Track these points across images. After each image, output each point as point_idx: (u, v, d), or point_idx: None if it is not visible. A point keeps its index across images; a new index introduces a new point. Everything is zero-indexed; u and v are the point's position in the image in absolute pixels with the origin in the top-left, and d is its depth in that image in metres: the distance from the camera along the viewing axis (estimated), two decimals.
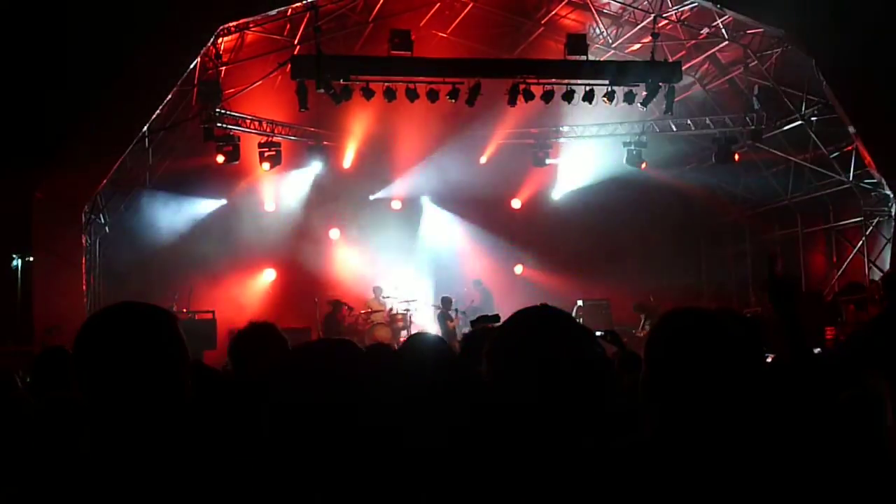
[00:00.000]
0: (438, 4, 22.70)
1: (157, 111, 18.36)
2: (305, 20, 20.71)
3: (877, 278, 20.15)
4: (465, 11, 23.39)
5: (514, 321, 2.83)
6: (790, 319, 3.94)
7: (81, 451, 2.74)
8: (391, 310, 23.63)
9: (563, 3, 22.67)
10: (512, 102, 21.41)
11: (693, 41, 22.46)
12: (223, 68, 20.99)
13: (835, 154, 21.66)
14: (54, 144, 16.56)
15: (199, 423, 2.79)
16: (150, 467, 2.64)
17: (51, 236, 18.26)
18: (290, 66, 20.17)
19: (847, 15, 16.56)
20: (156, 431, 2.69)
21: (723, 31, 21.36)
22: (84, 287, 18.92)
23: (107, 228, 21.42)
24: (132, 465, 2.63)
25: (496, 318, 7.15)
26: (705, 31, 21.84)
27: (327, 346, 3.14)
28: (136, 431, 2.68)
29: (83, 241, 19.03)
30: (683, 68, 22.13)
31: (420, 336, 5.67)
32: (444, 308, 22.85)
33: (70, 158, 17.34)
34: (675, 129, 25.00)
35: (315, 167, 24.46)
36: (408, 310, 23.54)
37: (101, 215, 20.68)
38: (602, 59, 22.63)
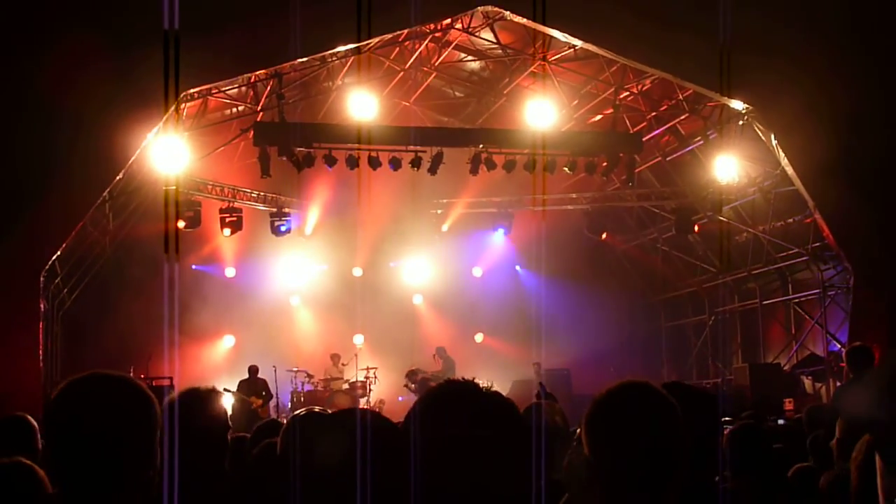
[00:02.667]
0: (402, 73, 22.84)
1: (119, 176, 18.25)
2: (269, 87, 20.74)
3: (835, 350, 20.28)
4: (428, 81, 23.57)
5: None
6: None
7: None
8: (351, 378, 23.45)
9: (526, 73, 22.86)
10: (474, 171, 21.56)
11: (654, 113, 22.68)
12: (186, 133, 20.93)
13: (794, 226, 21.82)
14: (12, 208, 16.40)
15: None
16: None
17: (7, 301, 18.00)
18: (252, 132, 20.19)
19: (806, 89, 16.78)
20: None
21: (683, 103, 21.60)
22: (41, 352, 18.64)
23: (65, 292, 21.18)
24: None
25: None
26: (666, 103, 22.12)
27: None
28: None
29: (41, 306, 18.78)
30: (644, 139, 22.36)
31: None
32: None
33: (28, 222, 17.17)
34: (635, 199, 25.17)
35: (276, 233, 24.29)
36: (368, 377, 23.34)
37: (58, 279, 20.44)
38: (564, 130, 22.78)
